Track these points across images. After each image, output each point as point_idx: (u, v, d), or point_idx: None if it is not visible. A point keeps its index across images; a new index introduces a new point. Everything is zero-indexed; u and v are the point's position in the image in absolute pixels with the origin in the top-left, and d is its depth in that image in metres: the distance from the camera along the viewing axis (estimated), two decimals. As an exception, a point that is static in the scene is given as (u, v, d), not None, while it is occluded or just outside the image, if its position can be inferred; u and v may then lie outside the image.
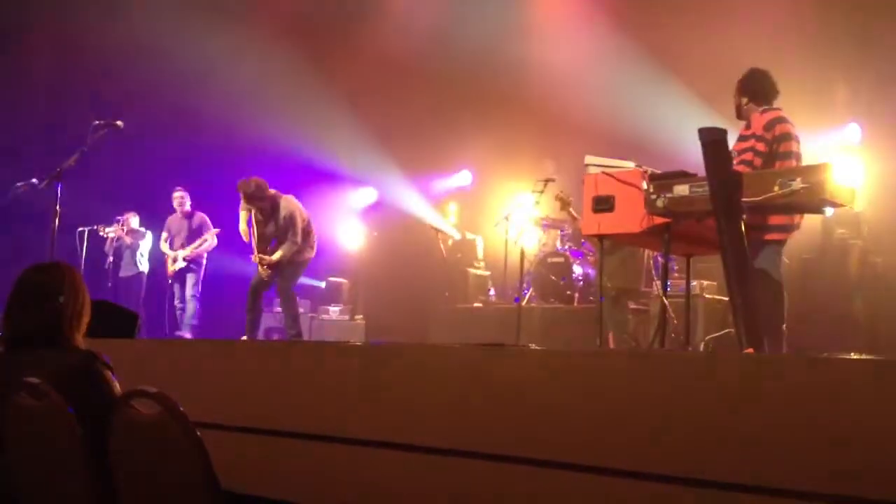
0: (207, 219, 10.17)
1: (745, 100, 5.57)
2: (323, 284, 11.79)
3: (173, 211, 10.25)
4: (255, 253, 8.08)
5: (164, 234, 10.15)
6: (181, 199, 10.11)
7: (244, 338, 8.08)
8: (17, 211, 8.01)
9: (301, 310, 10.52)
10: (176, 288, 10.01)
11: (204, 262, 10.12)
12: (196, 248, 9.93)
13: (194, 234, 10.03)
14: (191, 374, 3.79)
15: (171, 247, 10.05)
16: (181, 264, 9.90)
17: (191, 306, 9.88)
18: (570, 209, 8.39)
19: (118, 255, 10.33)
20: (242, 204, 8.13)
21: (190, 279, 9.95)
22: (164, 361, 4.05)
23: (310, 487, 3.26)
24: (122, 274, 10.30)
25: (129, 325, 5.16)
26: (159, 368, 3.90)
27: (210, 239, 10.02)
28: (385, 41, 11.93)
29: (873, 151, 8.47)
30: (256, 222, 8.13)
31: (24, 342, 2.95)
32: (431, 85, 11.64)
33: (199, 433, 2.28)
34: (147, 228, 10.56)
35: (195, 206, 10.28)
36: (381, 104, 11.91)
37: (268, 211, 8.03)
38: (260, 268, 8.04)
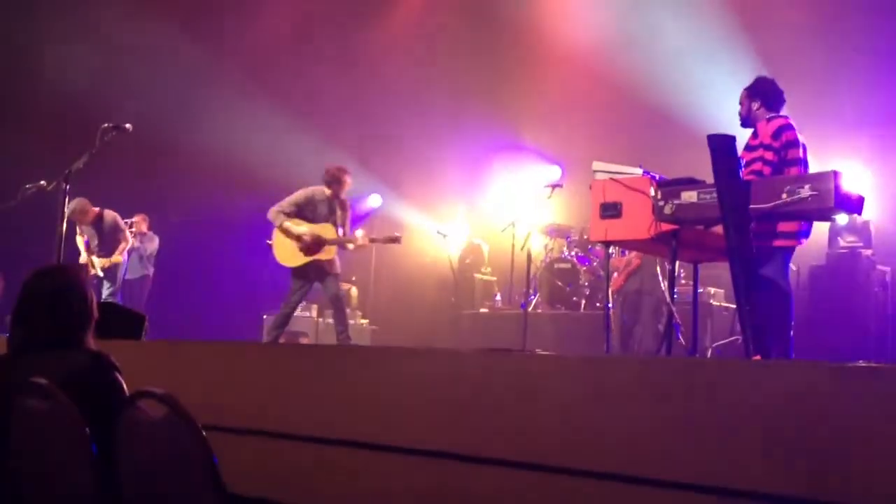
0: (118, 218, 9.68)
1: (755, 105, 5.54)
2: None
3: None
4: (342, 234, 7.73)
5: (79, 229, 9.60)
6: (75, 213, 9.05)
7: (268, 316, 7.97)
8: (26, 213, 8.02)
9: (308, 314, 10.56)
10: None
11: (124, 261, 9.73)
12: (110, 260, 9.51)
13: (107, 236, 9.59)
14: (198, 376, 3.80)
15: (88, 248, 9.59)
16: (99, 273, 9.48)
17: None
18: None
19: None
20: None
21: (106, 288, 9.50)
22: (171, 363, 4.06)
23: (316, 491, 3.25)
24: (128, 276, 10.30)
25: (137, 326, 5.17)
26: (166, 370, 3.90)
27: (123, 242, 9.61)
28: (398, 47, 11.97)
29: (883, 159, 8.45)
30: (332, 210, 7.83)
31: (34, 346, 2.96)
32: (440, 87, 11.67)
33: (205, 435, 2.28)
34: (154, 232, 10.58)
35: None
36: (390, 104, 11.94)
37: (340, 198, 7.86)
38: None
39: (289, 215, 7.65)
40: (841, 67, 8.73)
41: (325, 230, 7.64)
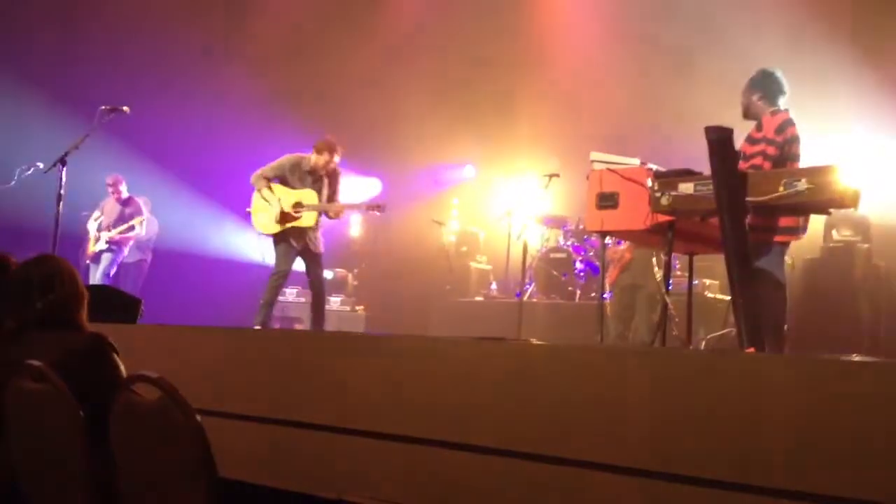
0: (143, 207, 9.98)
1: (755, 97, 5.55)
2: (331, 275, 11.78)
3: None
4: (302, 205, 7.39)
5: (97, 214, 9.98)
6: (113, 185, 9.85)
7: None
8: (22, 194, 8.02)
9: (303, 299, 10.55)
10: (91, 269, 9.79)
11: (126, 249, 9.94)
12: (121, 231, 9.75)
13: (126, 220, 9.86)
14: (192, 361, 3.80)
15: (100, 228, 9.89)
16: (102, 246, 9.73)
17: None
18: None
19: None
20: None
21: (105, 259, 9.74)
22: (166, 347, 4.06)
23: (308, 476, 3.26)
24: (125, 259, 10.32)
25: (132, 310, 5.17)
26: (161, 354, 3.90)
27: (137, 227, 9.84)
28: (391, 31, 11.94)
29: (882, 153, 8.45)
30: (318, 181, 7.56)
31: (27, 329, 2.99)
32: (436, 76, 11.64)
33: (199, 419, 2.28)
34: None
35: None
36: (387, 94, 11.91)
37: (330, 167, 7.59)
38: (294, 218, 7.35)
39: (271, 181, 7.42)
40: (841, 61, 8.72)
41: (306, 196, 7.41)
